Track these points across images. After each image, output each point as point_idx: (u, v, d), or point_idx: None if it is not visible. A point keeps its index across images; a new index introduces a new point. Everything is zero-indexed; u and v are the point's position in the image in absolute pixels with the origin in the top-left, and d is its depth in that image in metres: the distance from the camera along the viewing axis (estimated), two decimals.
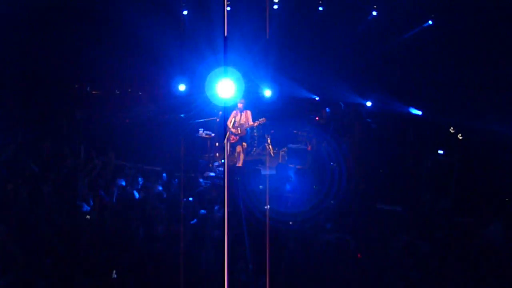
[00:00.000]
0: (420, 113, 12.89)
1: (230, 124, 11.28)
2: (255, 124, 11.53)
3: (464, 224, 7.88)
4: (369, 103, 12.95)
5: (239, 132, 11.16)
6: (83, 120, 13.07)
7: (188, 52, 14.59)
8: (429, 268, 5.90)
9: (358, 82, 13.52)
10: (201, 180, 9.93)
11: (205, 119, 12.57)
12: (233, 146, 11.43)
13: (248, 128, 11.26)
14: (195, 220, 6.95)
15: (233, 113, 11.32)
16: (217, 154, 12.40)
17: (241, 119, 11.20)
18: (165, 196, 7.92)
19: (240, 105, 11.18)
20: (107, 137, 12.02)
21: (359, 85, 13.43)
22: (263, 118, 11.90)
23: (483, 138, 10.79)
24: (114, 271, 5.56)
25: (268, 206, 9.22)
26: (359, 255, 5.91)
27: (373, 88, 13.14)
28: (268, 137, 13.32)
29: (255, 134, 13.14)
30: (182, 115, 12.48)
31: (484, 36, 11.51)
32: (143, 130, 12.30)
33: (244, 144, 11.27)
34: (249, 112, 11.31)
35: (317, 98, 13.97)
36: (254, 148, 13.22)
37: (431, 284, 5.73)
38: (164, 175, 9.26)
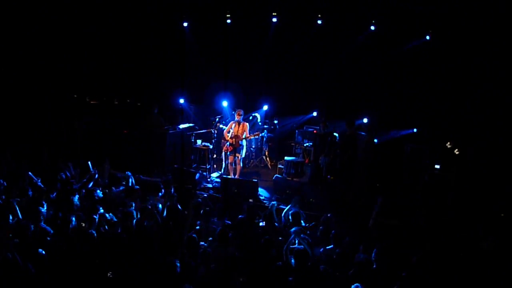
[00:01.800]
0: (415, 130, 12.99)
1: (226, 134, 11.34)
2: (251, 137, 11.59)
3: (459, 238, 7.90)
4: (365, 120, 13.03)
5: (234, 143, 11.20)
6: (81, 130, 13.09)
7: (188, 63, 14.67)
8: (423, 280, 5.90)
9: (355, 98, 13.59)
10: (198, 192, 9.92)
11: (203, 130, 12.61)
12: (227, 157, 11.48)
13: (242, 140, 11.27)
14: (191, 233, 6.93)
15: (231, 123, 11.38)
16: (214, 166, 12.43)
17: (238, 130, 11.24)
18: (160, 207, 7.90)
19: (238, 116, 11.22)
20: (104, 147, 12.03)
21: (356, 101, 13.49)
22: (258, 132, 11.96)
23: (480, 153, 10.84)
24: (110, 273, 5.56)
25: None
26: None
27: (370, 104, 13.20)
28: (265, 149, 13.37)
29: (253, 146, 13.18)
30: (180, 127, 12.50)
31: (482, 50, 11.61)
32: (140, 140, 12.30)
33: (238, 155, 11.28)
34: (246, 124, 11.35)
35: (314, 114, 14.04)
36: (252, 160, 13.26)
37: None
38: (162, 186, 9.25)
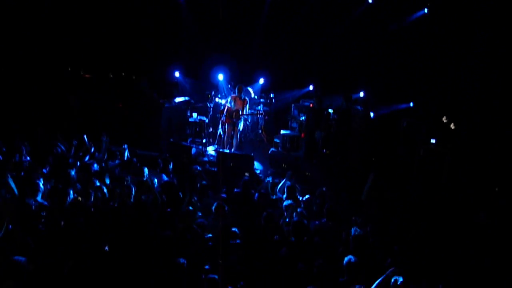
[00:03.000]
0: (411, 104, 12.99)
1: (228, 107, 11.30)
2: (257, 114, 11.59)
3: (454, 213, 7.98)
4: (361, 94, 12.99)
5: (234, 116, 11.18)
6: (76, 104, 12.97)
7: (184, 36, 14.51)
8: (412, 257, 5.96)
9: (351, 72, 13.52)
10: (194, 166, 9.92)
11: (199, 104, 12.54)
12: (224, 129, 11.47)
13: (243, 116, 11.29)
14: (187, 206, 6.96)
15: (232, 97, 11.35)
16: (210, 140, 12.41)
17: (238, 104, 11.20)
18: (156, 181, 7.92)
19: (238, 92, 11.20)
20: (99, 121, 11.96)
21: (352, 75, 13.43)
22: (262, 112, 11.98)
23: (476, 128, 10.87)
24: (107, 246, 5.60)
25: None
26: None
27: (366, 78, 13.15)
28: (261, 123, 13.34)
29: (249, 121, 13.15)
30: (175, 100, 12.43)
31: (480, 24, 11.51)
32: (136, 114, 12.23)
33: (236, 128, 11.29)
34: (246, 100, 11.34)
35: (310, 88, 14.00)
36: (248, 134, 13.24)
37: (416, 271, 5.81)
38: (159, 161, 9.24)
